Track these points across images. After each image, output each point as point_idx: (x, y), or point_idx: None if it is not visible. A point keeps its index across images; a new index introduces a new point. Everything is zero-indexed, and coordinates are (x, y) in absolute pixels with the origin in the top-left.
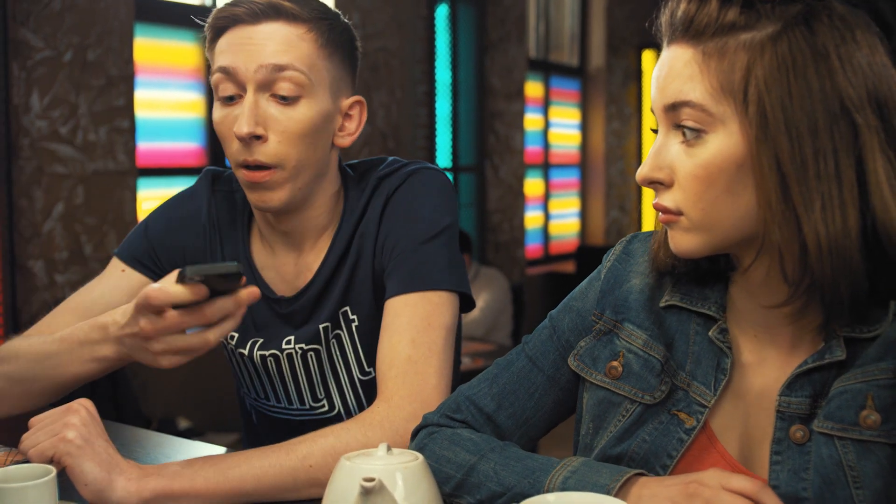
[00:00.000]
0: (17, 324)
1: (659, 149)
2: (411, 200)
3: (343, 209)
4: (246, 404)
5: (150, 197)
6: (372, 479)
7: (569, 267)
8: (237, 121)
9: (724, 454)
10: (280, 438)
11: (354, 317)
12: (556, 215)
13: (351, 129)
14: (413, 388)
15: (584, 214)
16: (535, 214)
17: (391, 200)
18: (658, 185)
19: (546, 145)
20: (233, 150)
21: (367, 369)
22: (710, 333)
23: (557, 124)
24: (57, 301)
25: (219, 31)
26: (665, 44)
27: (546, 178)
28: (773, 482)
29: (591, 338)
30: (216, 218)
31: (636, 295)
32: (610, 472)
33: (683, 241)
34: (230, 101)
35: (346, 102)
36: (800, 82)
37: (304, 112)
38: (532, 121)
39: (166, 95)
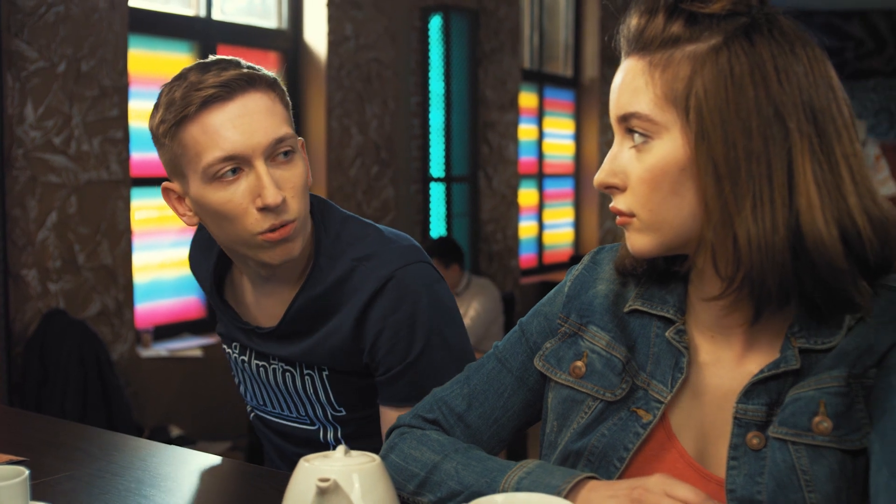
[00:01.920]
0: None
1: (614, 156)
2: (397, 313)
3: (311, 267)
4: (248, 410)
5: (143, 207)
6: (327, 480)
7: (562, 277)
8: (258, 193)
9: (682, 452)
10: (279, 442)
11: (325, 367)
12: (550, 225)
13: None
14: None
15: (578, 224)
16: (529, 224)
17: (374, 305)
18: (613, 189)
19: (540, 155)
20: (251, 221)
21: (338, 408)
22: (666, 334)
23: (551, 135)
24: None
25: (190, 114)
26: (622, 57)
27: (540, 188)
28: (730, 486)
29: (557, 340)
30: (198, 256)
31: (601, 300)
32: (562, 475)
33: (637, 242)
34: (230, 176)
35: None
36: (736, 91)
37: (300, 166)
38: (526, 131)
39: None
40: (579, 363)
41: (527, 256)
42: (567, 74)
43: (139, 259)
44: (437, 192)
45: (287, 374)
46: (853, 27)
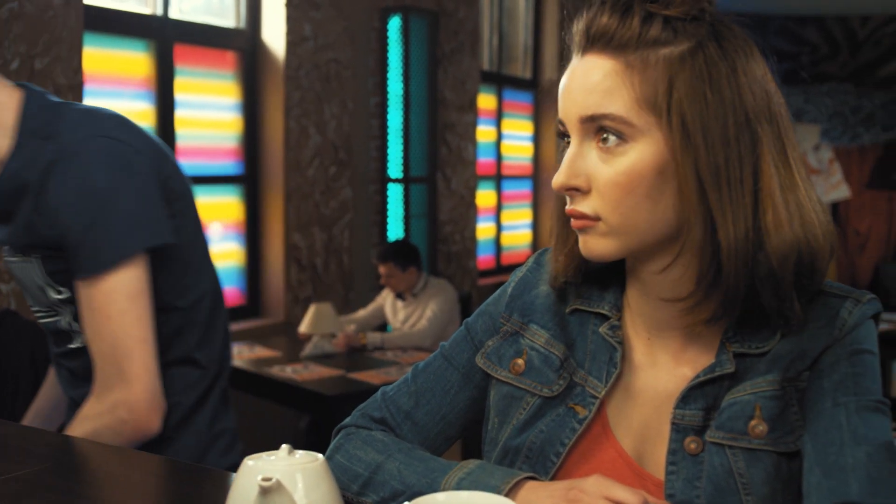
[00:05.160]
0: None
1: (574, 157)
2: (76, 174)
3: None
4: None
5: None
6: (269, 479)
7: None
8: None
9: (620, 451)
10: (49, 344)
11: (37, 252)
12: (508, 226)
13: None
14: (112, 380)
15: (536, 226)
16: (487, 225)
17: (49, 178)
18: (575, 191)
19: (499, 157)
20: None
21: (59, 289)
22: (600, 330)
23: (510, 136)
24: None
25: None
26: (578, 53)
27: (498, 189)
28: (669, 491)
29: (499, 338)
30: None
31: (542, 300)
32: (502, 475)
33: (598, 246)
34: None
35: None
36: (715, 94)
37: None
38: (485, 132)
39: (115, 105)
40: (519, 360)
41: (485, 257)
42: (526, 76)
43: None
44: (395, 193)
45: (23, 265)
46: (809, 32)
